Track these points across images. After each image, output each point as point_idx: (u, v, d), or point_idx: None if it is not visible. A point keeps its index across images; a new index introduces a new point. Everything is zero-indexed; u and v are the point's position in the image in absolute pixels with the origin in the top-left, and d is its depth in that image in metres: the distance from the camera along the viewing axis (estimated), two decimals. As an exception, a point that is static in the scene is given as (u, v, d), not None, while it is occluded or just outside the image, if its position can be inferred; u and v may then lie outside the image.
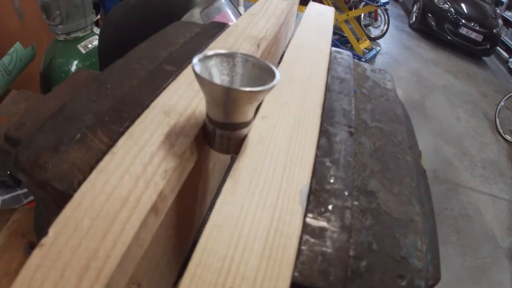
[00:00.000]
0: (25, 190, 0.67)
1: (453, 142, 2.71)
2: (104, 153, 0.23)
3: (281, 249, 0.17)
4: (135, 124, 0.26)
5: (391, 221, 0.24)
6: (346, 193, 0.23)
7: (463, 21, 4.37)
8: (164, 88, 0.31)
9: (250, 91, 0.20)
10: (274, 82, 0.21)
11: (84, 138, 0.26)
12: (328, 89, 0.37)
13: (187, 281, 0.16)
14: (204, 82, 0.20)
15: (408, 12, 5.21)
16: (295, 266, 0.17)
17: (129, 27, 0.83)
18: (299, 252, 0.18)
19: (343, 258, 0.18)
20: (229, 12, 1.05)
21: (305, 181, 0.22)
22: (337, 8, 3.43)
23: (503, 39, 4.81)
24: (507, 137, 2.96)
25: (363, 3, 3.39)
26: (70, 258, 0.17)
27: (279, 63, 0.45)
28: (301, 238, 0.18)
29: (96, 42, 1.09)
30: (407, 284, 0.20)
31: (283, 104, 0.31)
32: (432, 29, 4.55)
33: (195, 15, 0.94)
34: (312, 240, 0.19)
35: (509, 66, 4.61)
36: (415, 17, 4.83)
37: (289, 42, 0.58)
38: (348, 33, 3.37)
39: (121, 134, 0.25)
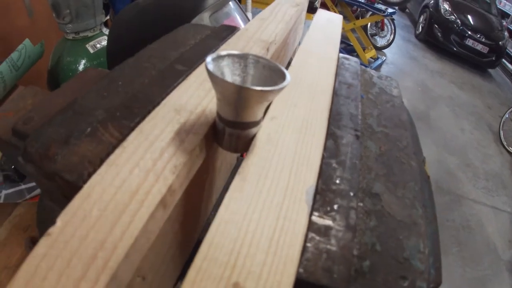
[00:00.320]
0: (28, 185, 0.68)
1: (457, 154, 2.70)
2: (114, 147, 0.24)
3: (287, 246, 0.17)
4: (146, 120, 0.27)
5: (394, 223, 0.24)
6: (352, 194, 0.23)
7: (469, 32, 4.38)
8: (174, 87, 0.32)
9: (261, 90, 0.21)
10: (285, 83, 0.21)
11: (94, 132, 0.26)
12: (335, 93, 0.37)
13: (193, 274, 0.16)
14: (216, 80, 0.20)
15: (415, 23, 5.23)
16: (300, 263, 0.17)
17: (139, 28, 0.84)
18: (304, 249, 0.18)
19: (347, 256, 0.19)
20: (238, 17, 1.06)
21: (311, 181, 0.22)
22: (344, 17, 3.44)
23: (508, 51, 4.81)
24: (511, 149, 2.95)
25: (370, 13, 3.40)
26: (77, 247, 0.17)
27: (287, 68, 0.45)
28: (306, 235, 0.19)
29: (104, 43, 1.10)
30: (409, 285, 0.20)
31: (292, 106, 0.31)
32: (438, 40, 4.56)
33: (205, 19, 0.95)
34: (317, 238, 0.19)
35: (514, 79, 4.61)
36: (421, 27, 4.84)
37: (297, 48, 0.58)
38: (354, 42, 3.38)
39: (132, 129, 0.26)
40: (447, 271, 1.70)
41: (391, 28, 3.88)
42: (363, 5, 3.22)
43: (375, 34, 3.95)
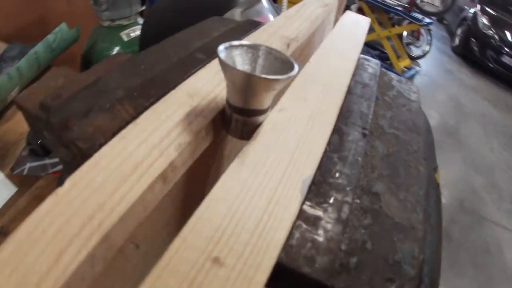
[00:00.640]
0: (52, 160, 0.71)
1: (484, 173, 2.59)
2: (127, 123, 0.25)
3: (273, 229, 0.18)
4: (161, 101, 0.28)
5: (391, 225, 0.24)
6: (348, 189, 0.23)
7: (506, 49, 4.17)
8: (192, 73, 0.33)
9: (267, 79, 0.21)
10: (291, 73, 0.22)
11: (112, 108, 0.28)
12: (349, 92, 0.37)
13: (178, 243, 0.17)
14: (226, 67, 0.21)
15: (452, 35, 5.04)
16: (284, 248, 0.18)
17: (172, 20, 0.86)
18: (290, 235, 0.18)
19: (333, 249, 0.19)
20: (270, 16, 1.07)
21: (309, 172, 0.23)
22: (380, 24, 3.38)
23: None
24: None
25: (407, 21, 3.32)
26: (78, 207, 0.18)
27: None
28: (294, 223, 0.19)
29: (138, 32, 1.14)
30: (395, 289, 0.20)
31: (302, 100, 0.31)
32: (474, 54, 4.37)
33: (236, 15, 0.96)
34: (305, 226, 0.19)
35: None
36: (458, 40, 4.66)
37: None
38: (389, 50, 3.31)
39: (146, 108, 0.27)
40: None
41: (427, 38, 3.76)
42: (400, 13, 3.14)
43: (411, 44, 3.84)
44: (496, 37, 4.23)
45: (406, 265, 0.22)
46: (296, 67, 0.23)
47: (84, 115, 0.27)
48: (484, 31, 4.30)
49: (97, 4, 1.03)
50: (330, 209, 0.21)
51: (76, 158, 0.26)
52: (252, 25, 0.50)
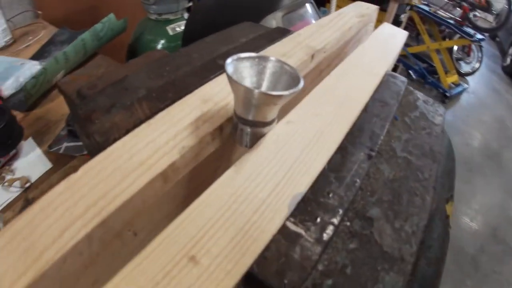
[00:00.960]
0: (89, 142, 0.77)
1: (524, 203, 2.41)
2: (141, 122, 0.27)
3: (251, 239, 0.19)
4: (176, 104, 0.30)
5: (378, 253, 0.24)
6: (337, 211, 0.23)
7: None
8: (210, 79, 0.34)
9: (268, 94, 0.22)
10: (293, 90, 0.23)
11: (131, 106, 0.30)
12: (365, 110, 0.37)
13: (163, 236, 0.19)
14: (230, 80, 0.23)
15: (504, 53, 4.71)
16: (258, 258, 0.18)
17: (215, 18, 0.88)
18: (267, 248, 0.19)
19: (306, 268, 0.19)
20: (312, 21, 1.06)
21: (302, 188, 0.23)
22: (430, 36, 3.25)
23: None
24: None
25: (458, 35, 3.16)
26: (86, 193, 0.21)
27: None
28: (274, 236, 0.20)
29: (183, 27, 1.17)
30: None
31: (312, 115, 0.32)
32: (524, 75, 4.07)
33: (277, 18, 0.97)
34: (283, 241, 0.20)
35: None
36: (510, 60, 4.35)
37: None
38: (437, 63, 3.17)
39: (161, 110, 0.29)
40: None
41: (478, 55, 3.55)
42: (452, 26, 3.00)
43: (461, 59, 3.64)
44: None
45: (386, 297, 0.22)
46: (301, 83, 0.24)
47: (107, 110, 0.30)
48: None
49: (145, -2, 1.08)
50: (313, 228, 0.21)
51: (95, 147, 0.29)
52: (281, 33, 0.51)
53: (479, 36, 2.86)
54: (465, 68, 3.66)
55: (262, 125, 0.26)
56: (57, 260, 0.19)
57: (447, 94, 3.18)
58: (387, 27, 0.66)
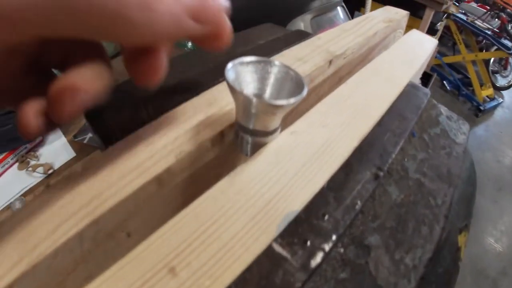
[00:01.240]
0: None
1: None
2: (144, 123, 0.27)
3: (234, 258, 0.18)
4: (181, 106, 0.30)
5: (370, 286, 0.22)
6: (331, 236, 0.22)
7: None
8: (220, 82, 0.34)
9: (266, 103, 0.21)
10: (292, 100, 0.21)
11: (137, 107, 0.30)
12: (379, 123, 0.35)
13: (146, 245, 0.19)
14: (228, 86, 0.22)
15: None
16: (237, 278, 0.18)
17: (244, 16, 0.89)
18: (248, 268, 0.18)
19: None
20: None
21: (296, 207, 0.22)
22: (467, 46, 3.12)
23: None
24: None
25: (495, 47, 3.01)
26: (82, 191, 0.21)
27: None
28: (258, 257, 0.19)
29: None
30: None
31: (320, 126, 0.30)
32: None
33: (306, 20, 0.95)
34: (266, 263, 0.19)
35: None
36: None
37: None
38: (472, 75, 3.04)
39: (166, 111, 0.29)
40: None
41: (515, 69, 3.38)
42: (489, 38, 2.87)
43: (497, 72, 3.47)
44: None
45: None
46: (304, 92, 0.22)
47: (116, 108, 0.30)
48: None
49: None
50: (300, 252, 0.20)
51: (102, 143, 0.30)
52: (301, 36, 0.50)
53: (517, 49, 2.72)
54: (501, 81, 3.49)
55: (264, 134, 0.25)
56: (48, 255, 0.19)
57: (481, 108, 3.05)
58: (415, 34, 0.62)
